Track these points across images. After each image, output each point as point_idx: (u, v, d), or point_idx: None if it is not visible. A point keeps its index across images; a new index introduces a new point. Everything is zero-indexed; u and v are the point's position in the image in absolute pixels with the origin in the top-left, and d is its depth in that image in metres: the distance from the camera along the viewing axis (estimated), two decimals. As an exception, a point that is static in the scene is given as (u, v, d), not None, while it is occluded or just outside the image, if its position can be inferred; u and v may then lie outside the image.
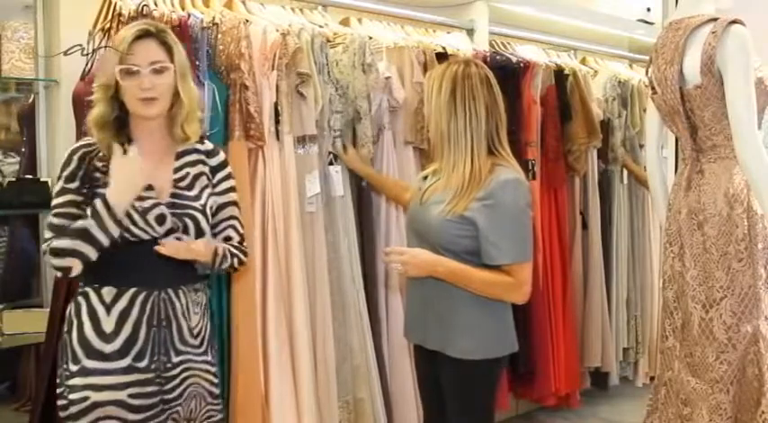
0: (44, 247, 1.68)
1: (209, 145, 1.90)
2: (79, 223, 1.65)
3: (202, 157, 1.85)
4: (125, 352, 1.69)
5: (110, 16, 2.37)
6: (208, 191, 1.83)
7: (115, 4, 2.35)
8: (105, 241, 1.64)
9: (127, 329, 1.70)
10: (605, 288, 3.76)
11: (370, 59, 2.76)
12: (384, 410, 2.77)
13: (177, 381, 1.76)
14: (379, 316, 2.83)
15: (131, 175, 1.67)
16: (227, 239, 1.88)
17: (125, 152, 1.71)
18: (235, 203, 1.91)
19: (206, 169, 1.85)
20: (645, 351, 4.03)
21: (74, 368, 1.68)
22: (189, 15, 2.41)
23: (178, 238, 1.74)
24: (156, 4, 2.39)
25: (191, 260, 1.77)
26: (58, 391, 1.73)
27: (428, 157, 2.84)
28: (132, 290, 1.71)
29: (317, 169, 2.62)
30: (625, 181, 3.98)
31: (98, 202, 1.64)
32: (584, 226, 3.70)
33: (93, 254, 1.65)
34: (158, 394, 1.73)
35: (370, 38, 2.85)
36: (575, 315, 3.60)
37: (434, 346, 1.99)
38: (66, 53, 2.55)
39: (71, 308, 1.75)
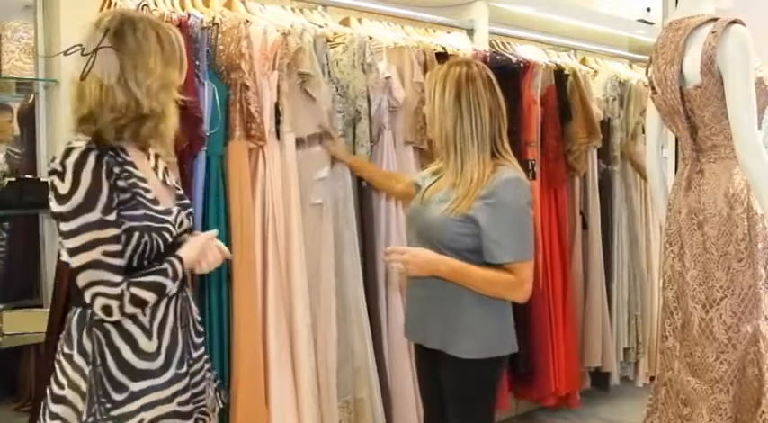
0: (115, 290, 1.52)
1: None
2: (159, 279, 1.58)
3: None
4: (168, 364, 1.64)
5: (110, 16, 2.37)
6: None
7: (115, 4, 2.35)
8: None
9: (166, 340, 1.65)
10: (605, 288, 3.76)
11: (370, 59, 2.77)
12: (383, 411, 2.77)
13: (200, 376, 1.76)
14: (379, 315, 2.83)
15: (208, 251, 1.70)
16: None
17: None
18: None
19: (164, 163, 1.80)
20: (645, 351, 4.02)
21: (119, 397, 1.57)
22: (189, 15, 2.41)
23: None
24: (155, 5, 2.40)
25: None
26: None
27: (428, 157, 2.84)
28: (165, 300, 1.66)
29: (327, 165, 2.65)
30: (629, 178, 3.97)
31: (177, 265, 1.62)
32: (584, 226, 3.71)
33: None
34: (192, 395, 1.71)
35: (370, 38, 2.85)
36: (575, 315, 3.61)
37: (436, 345, 2.00)
38: (66, 53, 2.53)
39: (94, 338, 1.58)
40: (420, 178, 2.18)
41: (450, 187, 1.95)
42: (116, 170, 1.55)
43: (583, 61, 4.00)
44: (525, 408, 3.65)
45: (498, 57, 3.30)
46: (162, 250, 1.61)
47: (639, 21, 4.47)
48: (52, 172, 1.50)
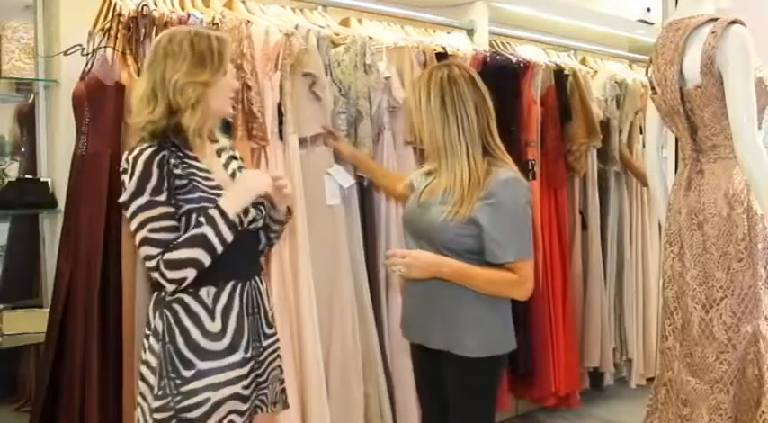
0: (152, 263, 1.63)
1: (225, 140, 1.93)
2: (194, 231, 1.65)
3: (232, 153, 1.92)
4: (236, 346, 1.73)
5: (110, 16, 2.37)
6: None
7: (115, 4, 2.35)
8: (220, 248, 1.66)
9: (232, 324, 1.73)
10: (605, 288, 3.76)
11: (371, 60, 2.77)
12: (390, 407, 2.78)
13: (266, 365, 1.84)
14: (380, 315, 2.83)
15: (253, 185, 1.74)
16: None
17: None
18: None
19: (241, 164, 1.93)
20: (635, 351, 4.00)
21: (188, 374, 1.68)
22: (189, 15, 2.41)
23: (257, 229, 1.84)
24: (155, 4, 2.39)
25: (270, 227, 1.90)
26: (159, 404, 1.67)
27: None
28: (230, 284, 1.74)
29: (336, 165, 2.66)
30: (629, 178, 3.97)
31: (213, 211, 1.66)
32: (584, 226, 3.70)
33: (207, 261, 1.66)
34: (254, 380, 1.79)
35: (370, 38, 2.85)
36: (574, 315, 3.61)
37: (439, 345, 1.99)
38: (66, 53, 2.55)
39: (165, 319, 1.70)
40: (414, 178, 2.18)
41: (447, 190, 1.96)
42: (173, 161, 1.68)
43: (583, 61, 4.00)
44: (525, 408, 3.65)
45: (498, 57, 3.30)
46: None
47: (639, 21, 4.47)
48: (123, 171, 1.67)
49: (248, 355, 1.76)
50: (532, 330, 3.29)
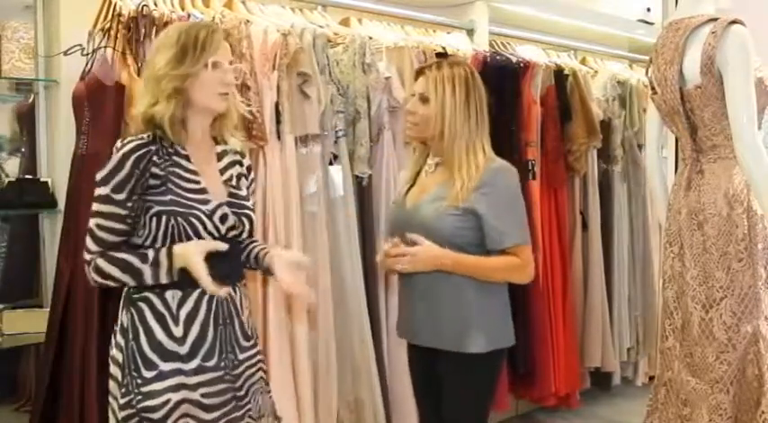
0: (87, 257, 1.64)
1: (235, 144, 1.87)
2: (133, 261, 1.62)
3: (237, 158, 1.85)
4: (194, 353, 1.68)
5: (110, 16, 2.37)
6: (249, 191, 1.87)
7: (115, 4, 2.35)
8: (152, 284, 1.64)
9: (194, 331, 1.68)
10: (605, 288, 3.76)
11: (370, 59, 2.77)
12: (384, 411, 2.77)
13: (243, 379, 1.78)
14: (378, 315, 2.83)
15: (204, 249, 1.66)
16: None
17: None
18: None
19: (243, 170, 1.86)
20: (646, 351, 4.02)
21: (149, 375, 1.64)
22: (189, 15, 2.41)
23: (236, 237, 1.76)
24: (155, 4, 2.40)
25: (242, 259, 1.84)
26: (124, 400, 1.65)
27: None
28: (197, 291, 1.68)
29: (319, 169, 2.63)
30: (629, 178, 3.97)
31: (162, 255, 1.62)
32: (584, 226, 3.70)
33: (134, 285, 1.66)
34: (230, 391, 1.74)
35: (370, 38, 2.85)
36: (575, 315, 3.60)
37: (438, 343, 1.99)
38: (66, 53, 2.55)
39: (129, 316, 1.68)
40: (403, 184, 2.19)
41: (443, 184, 1.98)
42: (155, 159, 1.64)
43: (583, 61, 4.00)
44: (525, 408, 3.64)
45: (498, 57, 3.30)
46: (192, 237, 1.66)
47: (639, 21, 4.47)
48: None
49: (210, 364, 1.69)
50: (532, 330, 3.29)
